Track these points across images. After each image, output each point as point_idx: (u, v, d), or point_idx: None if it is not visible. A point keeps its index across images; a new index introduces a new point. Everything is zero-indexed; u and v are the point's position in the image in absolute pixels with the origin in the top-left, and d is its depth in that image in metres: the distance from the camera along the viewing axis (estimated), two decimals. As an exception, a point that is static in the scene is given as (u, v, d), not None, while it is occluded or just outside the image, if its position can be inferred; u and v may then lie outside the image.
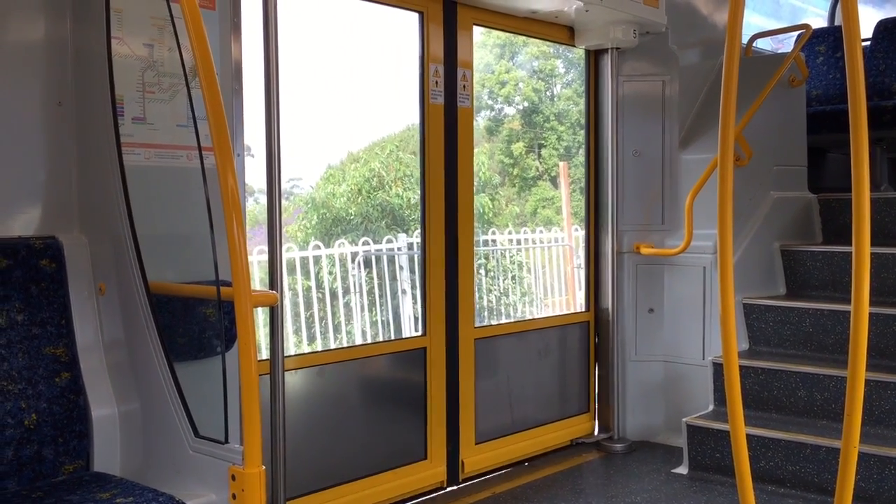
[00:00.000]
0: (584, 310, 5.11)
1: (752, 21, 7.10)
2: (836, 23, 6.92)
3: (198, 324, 2.74)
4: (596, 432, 4.99)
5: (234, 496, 2.07)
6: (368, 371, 3.99)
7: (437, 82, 4.09)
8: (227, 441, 2.31)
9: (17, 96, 2.60)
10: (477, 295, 11.39)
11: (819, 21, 7.37)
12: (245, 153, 3.13)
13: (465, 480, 4.27)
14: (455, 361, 4.24)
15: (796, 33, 5.75)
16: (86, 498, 2.25)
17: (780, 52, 6.29)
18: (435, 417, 4.15)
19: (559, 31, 4.79)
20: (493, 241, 11.40)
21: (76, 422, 2.51)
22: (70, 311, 2.56)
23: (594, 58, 4.98)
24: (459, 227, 4.25)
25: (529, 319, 5.23)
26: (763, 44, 5.86)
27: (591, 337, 5.04)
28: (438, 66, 4.10)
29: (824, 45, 5.93)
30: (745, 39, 5.21)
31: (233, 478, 2.07)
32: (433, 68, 4.08)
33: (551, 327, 4.94)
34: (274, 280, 3.19)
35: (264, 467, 2.05)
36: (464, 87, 4.23)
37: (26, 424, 2.40)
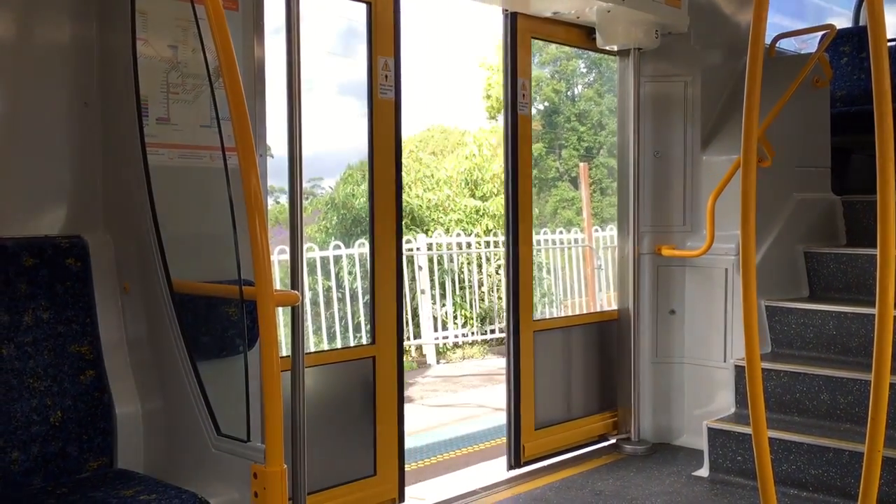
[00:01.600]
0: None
1: (776, 21, 7.05)
2: (861, 23, 6.84)
3: (220, 323, 2.76)
4: (616, 434, 4.97)
5: (255, 494, 2.08)
6: (315, 381, 3.66)
7: (386, 76, 3.83)
8: (248, 439, 2.33)
9: (43, 97, 2.64)
10: (496, 295, 11.34)
11: (843, 21, 7.30)
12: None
13: (526, 463, 4.49)
14: (517, 351, 4.52)
15: (820, 33, 5.69)
16: (110, 495, 2.27)
17: (803, 52, 6.24)
18: (385, 432, 3.88)
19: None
20: (513, 241, 11.38)
21: (100, 419, 2.54)
22: (95, 309, 2.59)
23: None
24: (520, 226, 4.55)
25: (581, 314, 5.12)
26: (786, 44, 5.81)
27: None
28: (388, 59, 3.84)
29: (849, 45, 5.87)
30: (768, 39, 5.17)
31: (255, 476, 2.08)
32: (382, 62, 3.82)
33: (602, 322, 5.06)
34: (296, 279, 3.21)
35: (286, 465, 2.06)
36: (523, 95, 4.49)
37: (51, 421, 2.43)
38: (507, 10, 4.43)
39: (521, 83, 4.48)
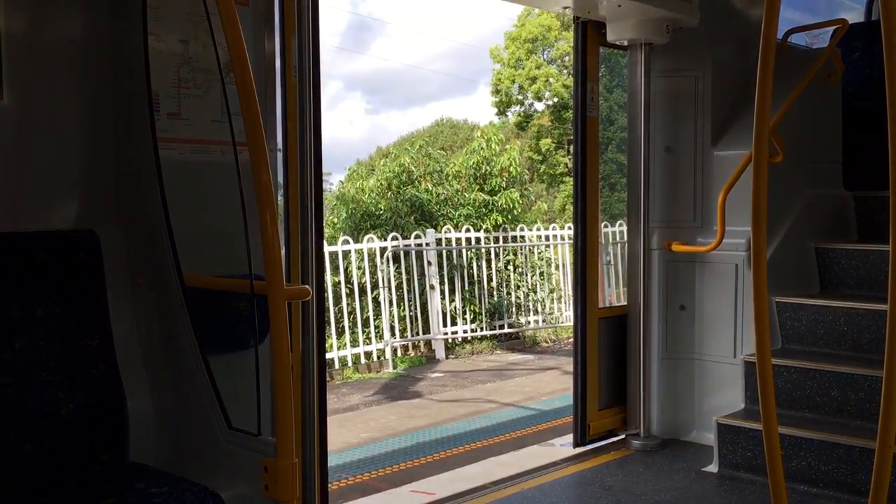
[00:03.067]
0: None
1: (787, 15, 7.00)
2: (874, 17, 6.80)
3: (231, 317, 2.76)
4: (625, 429, 4.97)
5: (266, 488, 2.09)
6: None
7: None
8: (259, 433, 2.33)
9: (55, 92, 2.64)
10: (505, 291, 11.31)
11: (855, 15, 7.25)
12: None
13: (591, 441, 4.80)
14: (584, 336, 4.80)
15: (832, 28, 5.65)
16: (121, 488, 2.28)
17: (815, 47, 6.20)
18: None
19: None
20: (522, 237, 11.38)
21: (112, 413, 2.54)
22: (106, 303, 2.60)
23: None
24: (588, 218, 4.80)
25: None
26: (798, 39, 5.77)
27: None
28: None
29: (860, 40, 5.82)
30: (779, 34, 5.14)
31: (265, 469, 2.09)
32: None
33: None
34: (307, 274, 3.21)
35: (297, 459, 2.07)
36: (592, 99, 4.79)
37: (63, 415, 2.44)
38: (578, 20, 4.75)
39: (589, 87, 4.78)
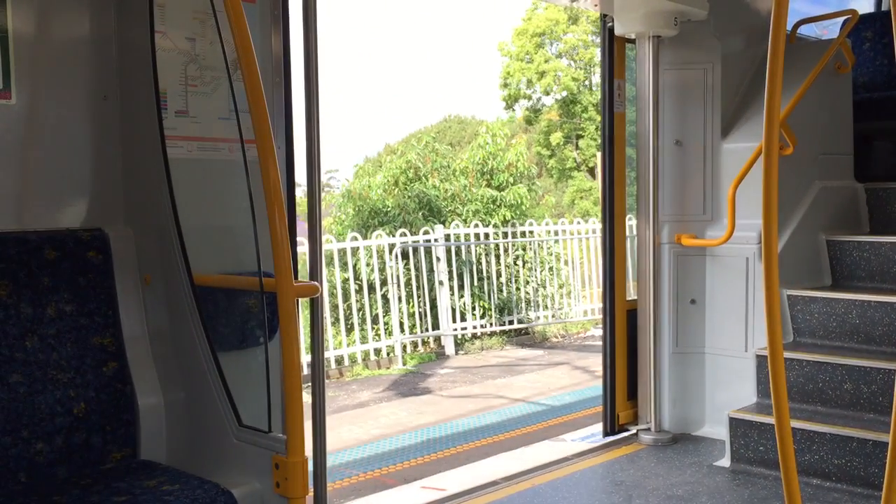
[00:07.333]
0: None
1: (796, 6, 6.95)
2: (884, 7, 6.75)
3: (241, 314, 2.77)
4: (636, 424, 4.95)
5: (277, 484, 2.09)
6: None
7: None
8: (270, 430, 2.34)
9: (63, 91, 2.65)
10: (514, 286, 11.30)
11: (866, 6, 7.20)
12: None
13: (620, 430, 4.85)
14: (612, 327, 4.84)
15: (842, 19, 5.61)
16: (133, 485, 2.29)
17: (825, 38, 6.16)
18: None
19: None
20: (531, 232, 11.36)
21: (123, 410, 2.56)
22: (116, 301, 2.61)
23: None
24: (615, 212, 4.86)
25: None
26: (807, 30, 5.73)
27: None
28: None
29: (871, 30, 5.78)
30: (789, 26, 5.11)
31: (276, 466, 2.09)
32: None
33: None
34: (315, 271, 3.21)
35: (308, 456, 2.07)
36: (618, 95, 4.84)
37: (75, 413, 2.45)
38: (605, 17, 4.75)
39: (616, 84, 4.82)
